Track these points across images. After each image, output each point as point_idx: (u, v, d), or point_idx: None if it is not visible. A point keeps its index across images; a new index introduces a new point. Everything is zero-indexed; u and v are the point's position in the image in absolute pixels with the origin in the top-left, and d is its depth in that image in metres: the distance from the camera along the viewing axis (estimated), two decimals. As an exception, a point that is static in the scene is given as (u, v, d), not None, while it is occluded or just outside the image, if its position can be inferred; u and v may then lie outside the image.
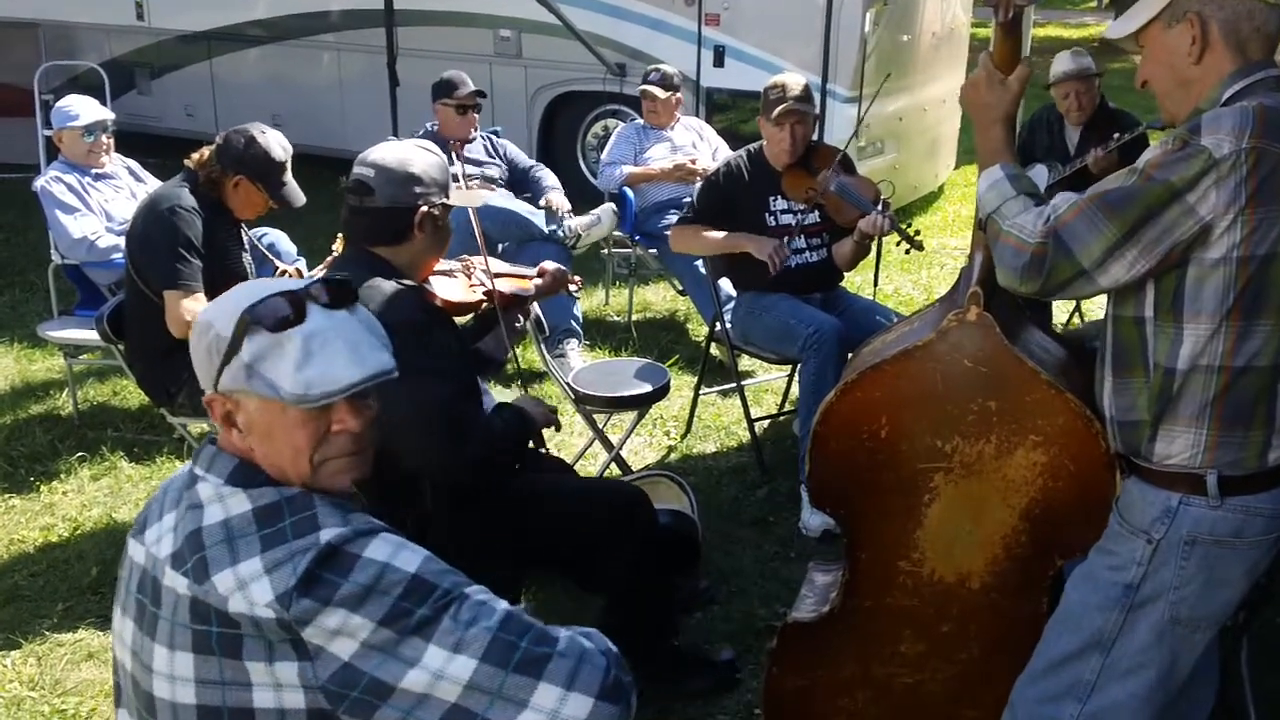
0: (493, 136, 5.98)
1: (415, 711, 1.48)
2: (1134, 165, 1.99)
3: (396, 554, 1.51)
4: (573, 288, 3.50)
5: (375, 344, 1.60)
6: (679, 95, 6.10)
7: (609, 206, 5.87)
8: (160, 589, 1.53)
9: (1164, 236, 1.94)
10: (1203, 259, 1.95)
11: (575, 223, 5.62)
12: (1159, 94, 2.13)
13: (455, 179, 2.94)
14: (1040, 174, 5.14)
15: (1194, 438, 2.04)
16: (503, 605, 1.55)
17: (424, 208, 2.67)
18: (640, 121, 6.21)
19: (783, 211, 4.41)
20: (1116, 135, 4.85)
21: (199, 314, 1.61)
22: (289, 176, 4.02)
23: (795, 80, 4.37)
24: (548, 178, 5.93)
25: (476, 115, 5.77)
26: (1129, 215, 1.94)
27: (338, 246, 3.51)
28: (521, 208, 5.56)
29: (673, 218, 5.29)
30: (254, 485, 1.55)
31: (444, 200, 2.73)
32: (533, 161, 6.07)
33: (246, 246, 4.18)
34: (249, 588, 1.46)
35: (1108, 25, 2.27)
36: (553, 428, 2.98)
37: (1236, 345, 1.98)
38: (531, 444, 2.96)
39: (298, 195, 4.04)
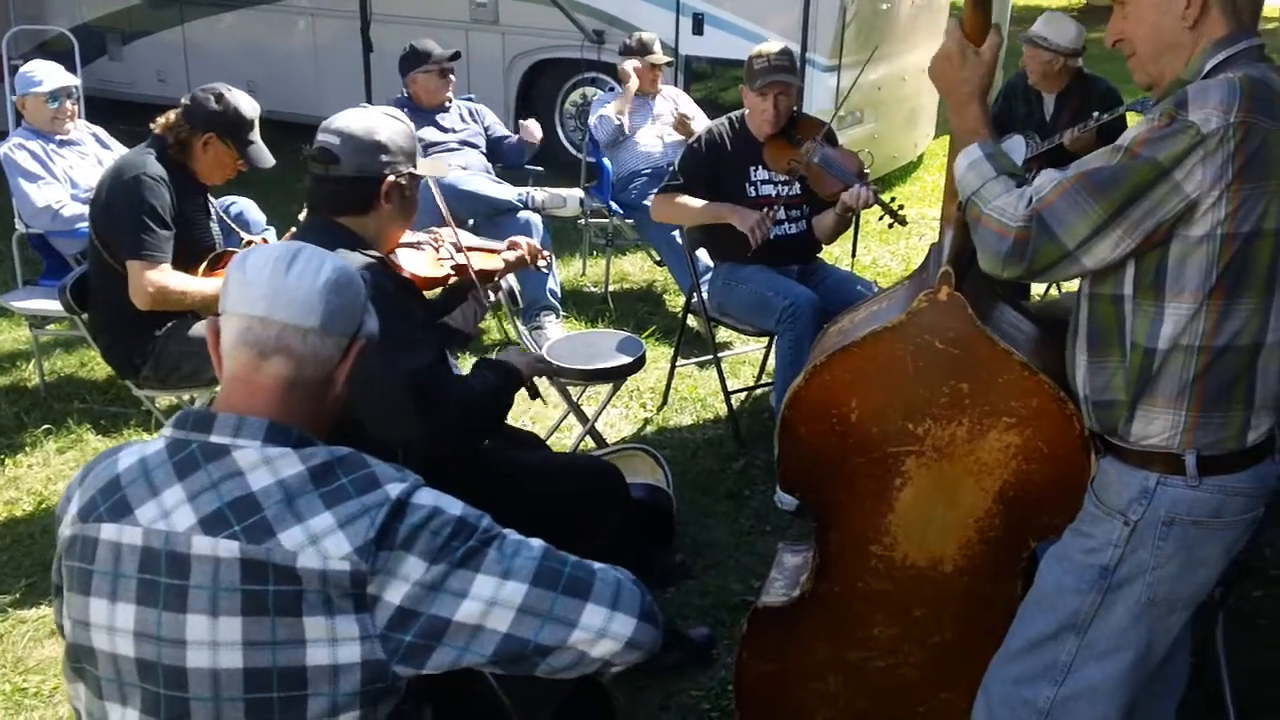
0: (468, 102, 5.90)
1: (470, 647, 1.55)
2: (1118, 143, 1.93)
3: (440, 498, 1.61)
4: (542, 264, 3.44)
5: None
6: (664, 61, 6.07)
7: (577, 193, 5.85)
8: (187, 560, 1.53)
9: (1150, 215, 1.89)
10: (1186, 236, 1.90)
11: (541, 196, 5.59)
12: (1137, 56, 2.04)
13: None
14: (1018, 145, 5.08)
15: (1173, 419, 2.00)
16: (539, 541, 1.64)
17: (391, 177, 2.60)
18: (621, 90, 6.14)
19: (764, 182, 4.35)
20: (1096, 115, 4.80)
21: (336, 266, 1.68)
22: (257, 135, 3.95)
23: (780, 50, 4.31)
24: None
25: (454, 79, 5.70)
26: (1115, 195, 1.89)
27: (304, 215, 3.44)
28: (484, 186, 5.47)
29: (651, 187, 5.23)
30: (300, 445, 1.59)
31: (411, 170, 2.67)
32: (507, 132, 6.01)
33: (214, 217, 4.11)
34: (322, 542, 1.51)
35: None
36: (542, 378, 2.98)
37: (1218, 324, 1.93)
38: (527, 392, 2.96)
39: (266, 156, 3.97)
